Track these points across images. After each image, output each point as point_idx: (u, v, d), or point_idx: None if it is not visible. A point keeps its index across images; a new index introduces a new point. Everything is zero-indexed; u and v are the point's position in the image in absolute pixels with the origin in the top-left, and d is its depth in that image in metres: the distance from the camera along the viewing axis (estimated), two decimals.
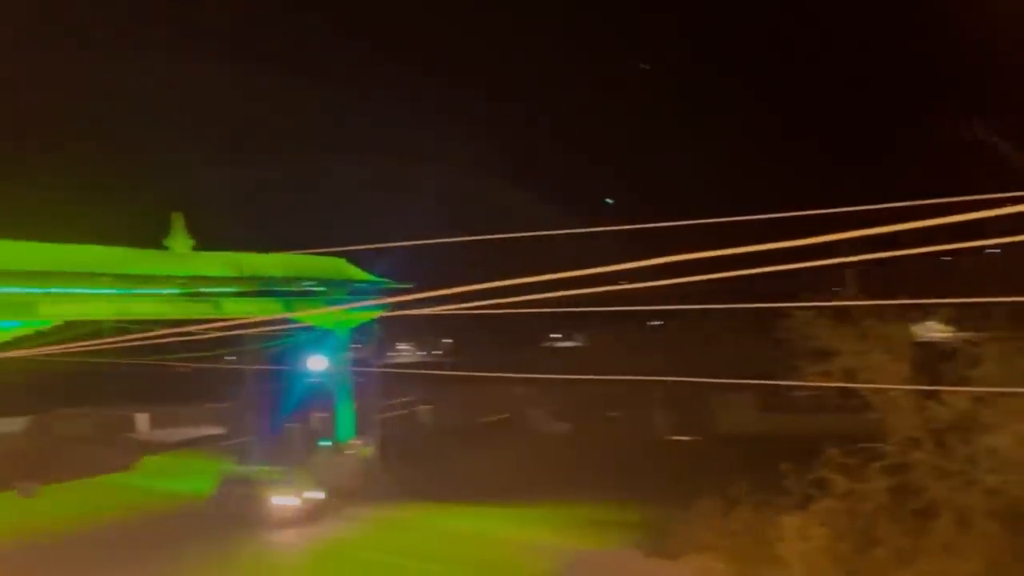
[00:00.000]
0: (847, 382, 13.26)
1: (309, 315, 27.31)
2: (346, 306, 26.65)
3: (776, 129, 66.38)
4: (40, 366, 31.30)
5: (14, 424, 40.47)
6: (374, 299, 27.22)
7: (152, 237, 24.36)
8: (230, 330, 22.36)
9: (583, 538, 19.74)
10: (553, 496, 21.80)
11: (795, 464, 13.22)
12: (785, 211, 8.26)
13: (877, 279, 17.53)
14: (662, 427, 36.56)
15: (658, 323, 47.93)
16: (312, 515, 22.47)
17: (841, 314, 13.67)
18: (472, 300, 8.21)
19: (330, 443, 28.93)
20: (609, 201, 59.70)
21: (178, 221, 24.42)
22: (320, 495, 22.84)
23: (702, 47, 72.56)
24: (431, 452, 31.18)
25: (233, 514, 22.14)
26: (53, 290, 21.47)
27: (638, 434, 34.55)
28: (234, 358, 32.03)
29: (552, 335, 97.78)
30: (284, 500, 22.05)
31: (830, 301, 13.92)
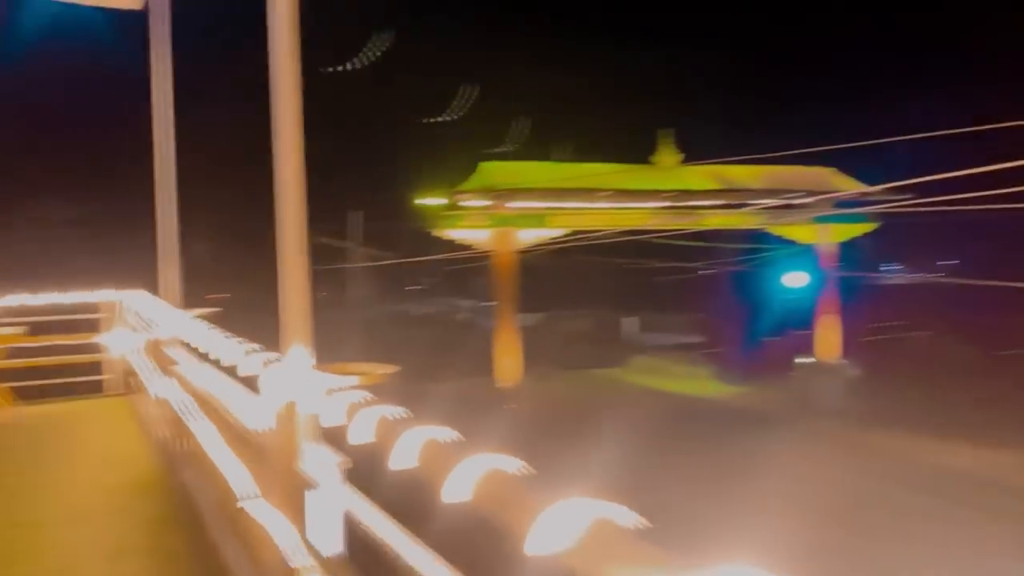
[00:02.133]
0: None
1: (790, 228, 26.47)
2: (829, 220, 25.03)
3: None
4: (551, 273, 36.85)
5: (531, 319, 48.56)
6: (862, 211, 25.10)
7: (647, 154, 25.85)
8: (712, 240, 22.92)
9: None
10: None
11: None
12: None
13: None
14: None
15: None
16: None
17: None
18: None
19: (809, 361, 28.07)
20: None
21: (666, 138, 25.54)
22: None
23: None
24: (927, 381, 28.02)
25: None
26: (561, 204, 24.54)
27: None
28: (714, 271, 32.90)
29: None
30: None
31: None
